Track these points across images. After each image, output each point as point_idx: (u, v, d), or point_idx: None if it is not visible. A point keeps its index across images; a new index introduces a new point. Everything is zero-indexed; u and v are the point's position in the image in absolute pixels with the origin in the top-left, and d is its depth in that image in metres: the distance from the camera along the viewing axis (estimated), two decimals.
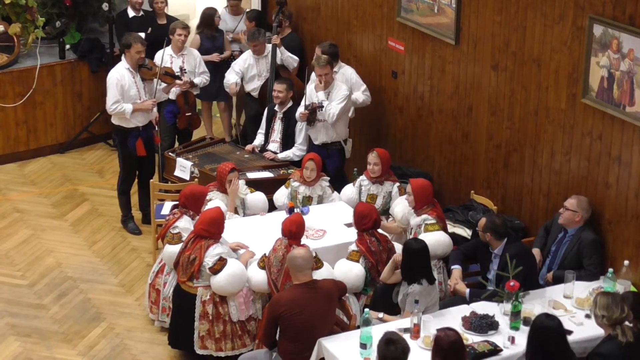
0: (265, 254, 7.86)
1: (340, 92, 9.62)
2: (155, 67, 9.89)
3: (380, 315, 7.43)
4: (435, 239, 8.05)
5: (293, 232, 7.76)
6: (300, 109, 9.77)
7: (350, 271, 7.83)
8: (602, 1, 7.58)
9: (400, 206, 8.58)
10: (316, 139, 9.81)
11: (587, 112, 7.90)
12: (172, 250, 8.13)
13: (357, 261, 7.87)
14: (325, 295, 7.11)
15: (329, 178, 9.14)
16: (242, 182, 8.95)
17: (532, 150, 8.52)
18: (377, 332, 6.59)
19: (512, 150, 8.75)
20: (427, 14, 9.45)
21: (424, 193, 8.26)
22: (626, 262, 7.50)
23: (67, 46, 11.83)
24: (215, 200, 8.59)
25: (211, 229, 7.85)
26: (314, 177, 8.95)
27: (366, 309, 7.15)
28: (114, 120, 9.81)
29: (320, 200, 9.04)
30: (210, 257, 7.78)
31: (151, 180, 9.55)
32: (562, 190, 8.21)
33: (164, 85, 10.01)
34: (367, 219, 7.93)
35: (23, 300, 8.97)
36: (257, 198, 8.98)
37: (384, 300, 7.69)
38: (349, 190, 9.10)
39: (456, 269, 7.90)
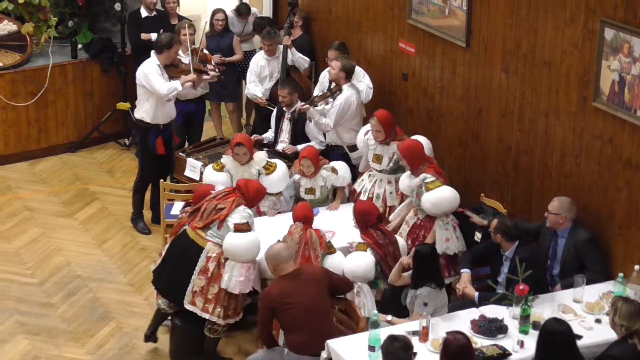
0: (279, 240, 7.86)
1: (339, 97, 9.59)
2: (182, 64, 9.99)
3: (389, 317, 7.41)
4: (438, 196, 8.14)
5: (308, 216, 7.97)
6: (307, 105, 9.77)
7: (361, 260, 7.84)
8: (614, 4, 7.56)
9: (406, 181, 8.58)
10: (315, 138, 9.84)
11: (598, 116, 7.88)
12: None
13: (365, 250, 7.91)
14: (312, 279, 7.19)
15: (329, 164, 9.03)
16: (262, 153, 8.92)
17: (542, 153, 8.50)
18: (385, 334, 6.58)
19: (522, 153, 8.72)
20: (437, 16, 9.43)
21: (413, 154, 8.35)
22: (637, 267, 7.44)
23: (79, 45, 11.86)
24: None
25: (249, 195, 7.88)
26: (313, 170, 8.94)
27: (375, 311, 7.15)
28: (137, 115, 9.82)
29: (325, 190, 9.01)
30: (239, 213, 7.72)
31: (161, 180, 9.56)
32: (572, 193, 8.18)
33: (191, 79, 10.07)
34: (369, 216, 7.99)
35: (32, 299, 8.99)
36: (274, 180, 8.83)
37: (392, 303, 7.69)
38: (361, 135, 9.15)
39: (465, 272, 7.87)
